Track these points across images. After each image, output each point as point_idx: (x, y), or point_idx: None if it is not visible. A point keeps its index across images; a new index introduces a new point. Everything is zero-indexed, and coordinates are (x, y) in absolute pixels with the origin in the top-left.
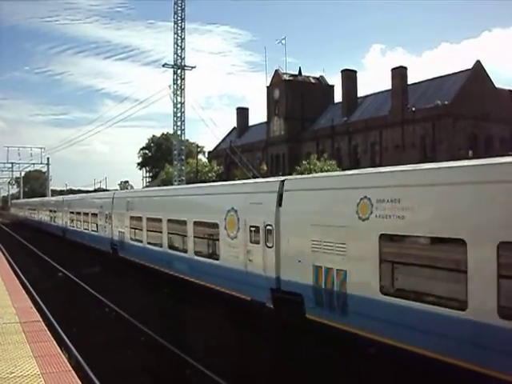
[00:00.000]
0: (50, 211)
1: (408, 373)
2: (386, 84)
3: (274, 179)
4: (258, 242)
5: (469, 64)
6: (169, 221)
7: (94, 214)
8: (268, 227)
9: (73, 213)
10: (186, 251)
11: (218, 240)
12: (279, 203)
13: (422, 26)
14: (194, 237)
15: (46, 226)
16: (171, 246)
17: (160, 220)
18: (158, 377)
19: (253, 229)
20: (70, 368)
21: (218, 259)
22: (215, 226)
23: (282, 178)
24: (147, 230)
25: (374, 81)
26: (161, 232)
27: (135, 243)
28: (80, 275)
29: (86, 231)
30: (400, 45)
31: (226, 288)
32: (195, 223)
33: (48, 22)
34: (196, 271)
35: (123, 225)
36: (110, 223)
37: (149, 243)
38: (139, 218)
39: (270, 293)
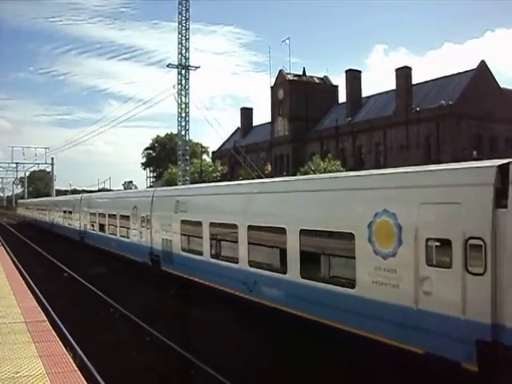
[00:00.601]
0: (65, 212)
1: (408, 373)
2: (390, 84)
3: (480, 164)
4: (446, 265)
5: (473, 64)
6: (250, 228)
7: (125, 216)
8: (472, 242)
9: (94, 214)
10: (283, 271)
11: (352, 258)
12: (499, 203)
13: (424, 26)
14: (302, 251)
15: (59, 229)
16: (254, 263)
17: (235, 226)
18: (163, 377)
19: (434, 243)
20: (76, 368)
21: (351, 286)
22: (346, 236)
23: (499, 161)
24: (211, 239)
25: (377, 81)
26: (235, 242)
27: (191, 255)
28: (85, 276)
29: (113, 237)
30: (403, 45)
31: (368, 331)
32: (302, 232)
33: (52, 23)
34: (302, 300)
35: (170, 231)
36: (149, 228)
37: (215, 256)
38: (198, 223)
39: (473, 347)
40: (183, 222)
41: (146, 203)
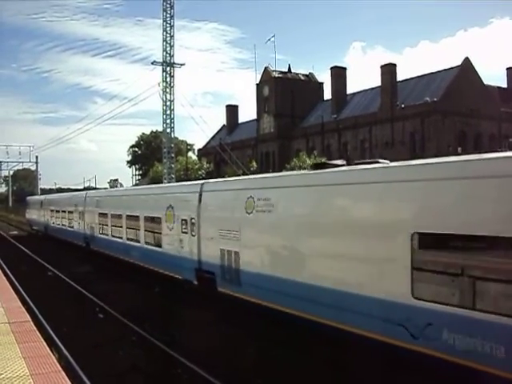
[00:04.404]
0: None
1: (395, 374)
2: (369, 81)
3: (196, 182)
4: (186, 232)
5: (450, 62)
6: (127, 216)
7: (70, 212)
8: (193, 220)
9: (53, 211)
10: (138, 241)
11: (160, 229)
12: (200, 201)
13: (400, 25)
14: (144, 228)
15: None
16: (129, 237)
17: (121, 215)
18: (150, 376)
19: (184, 221)
20: (60, 368)
21: (161, 246)
22: (159, 219)
23: (204, 181)
24: (112, 225)
25: (356, 78)
26: (121, 225)
27: (103, 237)
28: (70, 274)
29: (63, 227)
30: (379, 42)
31: (168, 271)
32: (145, 217)
33: (34, 19)
34: (145, 256)
35: (94, 221)
36: (84, 219)
37: (113, 236)
38: (106, 215)
39: (194, 272)
40: (99, 214)
41: (81, 202)
